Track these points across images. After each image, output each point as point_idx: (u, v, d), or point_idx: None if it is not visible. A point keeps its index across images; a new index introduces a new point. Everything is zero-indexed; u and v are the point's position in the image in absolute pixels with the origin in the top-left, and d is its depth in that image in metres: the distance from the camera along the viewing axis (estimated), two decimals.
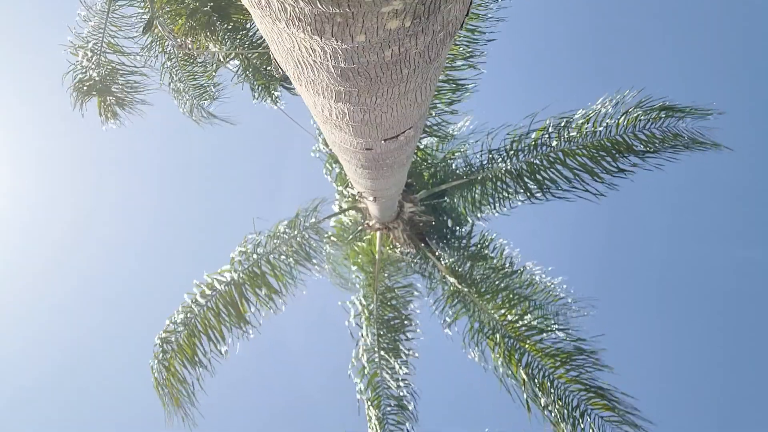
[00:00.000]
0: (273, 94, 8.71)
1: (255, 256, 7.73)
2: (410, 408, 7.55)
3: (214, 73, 8.29)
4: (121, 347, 21.57)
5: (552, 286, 8.38)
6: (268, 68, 8.22)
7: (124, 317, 21.74)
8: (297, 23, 1.64)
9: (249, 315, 7.41)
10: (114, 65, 7.58)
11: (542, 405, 6.42)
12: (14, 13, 16.35)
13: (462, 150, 8.65)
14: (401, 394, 7.62)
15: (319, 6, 1.48)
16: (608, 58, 22.62)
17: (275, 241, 8.01)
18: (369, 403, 7.48)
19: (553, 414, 6.30)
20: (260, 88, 8.65)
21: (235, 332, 7.32)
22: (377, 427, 7.29)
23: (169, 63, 7.93)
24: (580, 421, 6.16)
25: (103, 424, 20.61)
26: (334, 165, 8.93)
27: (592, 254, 22.89)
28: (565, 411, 6.26)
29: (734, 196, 21.48)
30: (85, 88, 7.39)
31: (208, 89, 8.43)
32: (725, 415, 20.06)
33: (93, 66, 7.31)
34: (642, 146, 6.74)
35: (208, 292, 7.23)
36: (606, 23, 21.80)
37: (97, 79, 7.41)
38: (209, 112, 8.71)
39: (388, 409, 7.49)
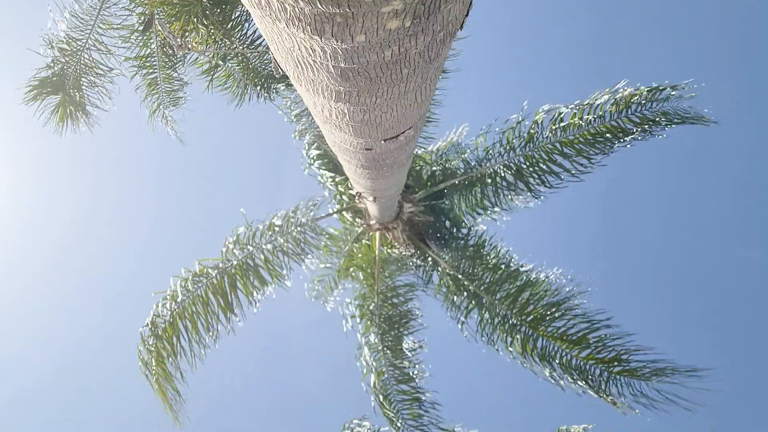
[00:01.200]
0: (271, 93, 8.74)
1: (250, 248, 7.70)
2: (424, 399, 7.56)
3: (210, 74, 8.24)
4: (120, 347, 21.55)
5: (549, 280, 8.29)
6: (269, 68, 8.24)
7: (124, 317, 21.76)
8: (297, 23, 1.64)
9: (239, 307, 7.33)
10: (95, 62, 7.49)
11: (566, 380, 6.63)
12: (14, 12, 16.35)
13: (461, 155, 8.64)
14: (412, 388, 7.65)
15: (319, 6, 1.48)
16: (607, 57, 22.63)
17: (270, 233, 7.98)
18: (380, 401, 7.50)
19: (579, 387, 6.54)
20: (258, 88, 8.67)
21: (228, 325, 7.23)
22: (394, 424, 7.31)
23: (146, 62, 7.86)
24: (607, 384, 6.45)
25: (103, 424, 20.62)
26: (327, 178, 9.01)
27: (591, 254, 22.90)
28: (591, 382, 6.54)
29: (734, 195, 21.50)
30: (48, 85, 7.26)
31: (178, 94, 8.38)
32: (725, 416, 20.06)
33: (67, 61, 7.19)
34: (636, 128, 6.89)
35: (199, 278, 7.19)
36: (604, 22, 21.82)
37: (68, 77, 7.30)
38: (170, 116, 8.63)
39: (401, 405, 7.51)
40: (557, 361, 6.80)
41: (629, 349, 6.54)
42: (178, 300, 6.91)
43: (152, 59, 7.89)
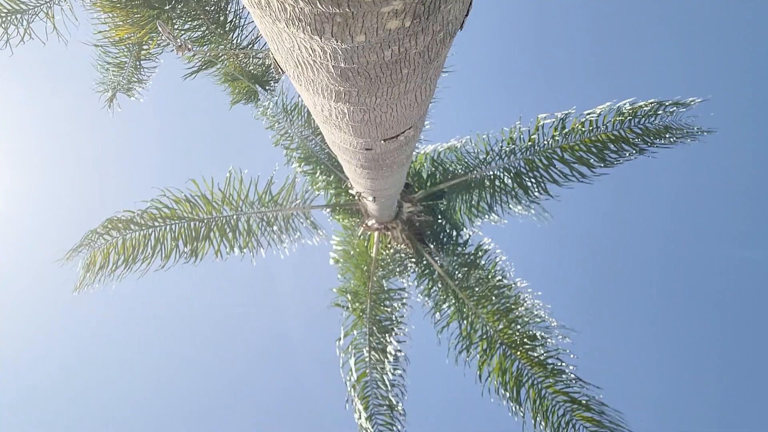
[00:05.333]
0: (255, 98, 8.85)
1: (239, 207, 7.72)
2: (399, 408, 7.56)
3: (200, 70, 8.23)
4: (121, 348, 21.56)
5: (537, 306, 8.21)
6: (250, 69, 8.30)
7: (125, 318, 21.75)
8: (297, 23, 1.64)
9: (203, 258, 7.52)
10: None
11: (531, 411, 6.63)
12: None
13: (459, 154, 8.66)
14: (390, 394, 7.64)
15: (319, 6, 1.48)
16: (607, 58, 22.64)
17: (264, 198, 7.98)
18: (358, 402, 7.51)
19: (540, 422, 6.55)
20: (238, 91, 8.78)
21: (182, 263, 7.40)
22: (366, 427, 7.32)
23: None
24: (566, 429, 6.41)
25: (103, 424, 20.61)
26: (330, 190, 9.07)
27: (589, 255, 22.92)
28: (553, 419, 6.52)
29: (734, 196, 21.51)
30: None
31: (135, 84, 8.44)
32: (725, 416, 20.07)
33: None
34: (637, 139, 6.91)
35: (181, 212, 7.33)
36: (605, 22, 21.82)
37: None
38: (115, 101, 8.66)
39: (377, 408, 7.50)
40: (526, 388, 6.77)
41: (599, 401, 6.49)
42: (153, 224, 7.14)
43: (131, 46, 7.83)
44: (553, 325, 7.42)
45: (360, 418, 7.38)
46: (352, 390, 7.59)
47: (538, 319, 7.52)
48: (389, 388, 7.66)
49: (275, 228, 8.11)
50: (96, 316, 21.65)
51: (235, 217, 7.72)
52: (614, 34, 22.08)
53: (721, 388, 21.14)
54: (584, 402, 6.47)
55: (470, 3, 1.89)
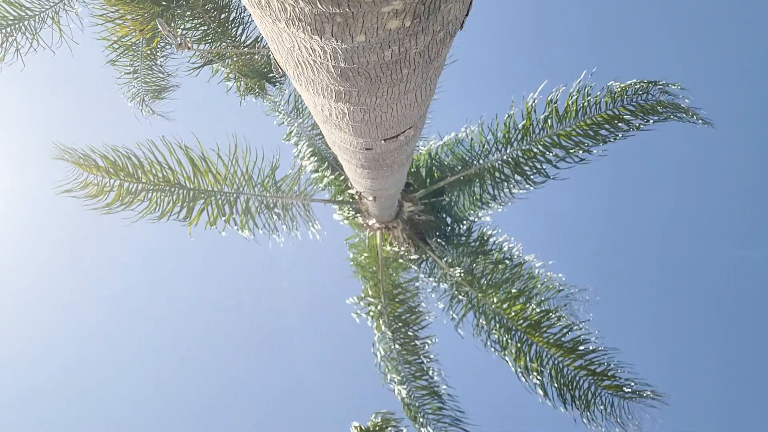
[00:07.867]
0: (263, 91, 8.84)
1: (238, 187, 7.71)
2: (441, 393, 7.62)
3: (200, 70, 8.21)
4: (121, 347, 21.55)
5: (552, 279, 8.45)
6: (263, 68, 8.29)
7: (124, 317, 21.75)
8: (297, 23, 1.64)
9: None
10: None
11: (557, 390, 6.76)
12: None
13: (457, 148, 8.67)
14: (428, 382, 7.69)
15: (319, 6, 1.48)
16: (607, 58, 22.63)
17: (268, 180, 7.97)
18: (402, 398, 7.60)
19: (567, 397, 6.71)
20: (246, 87, 8.77)
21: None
22: (417, 422, 7.38)
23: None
24: (593, 401, 6.61)
25: (103, 424, 20.61)
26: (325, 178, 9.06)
27: (591, 255, 22.89)
28: (578, 393, 6.69)
29: (734, 196, 21.50)
30: None
31: (158, 85, 8.41)
32: (725, 416, 20.07)
33: None
34: (632, 117, 6.86)
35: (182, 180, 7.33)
36: (604, 20, 21.81)
37: None
38: (150, 107, 8.65)
39: (421, 400, 7.57)
40: (549, 370, 6.89)
41: (616, 365, 6.71)
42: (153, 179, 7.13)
43: (136, 49, 7.79)
44: (568, 293, 7.50)
45: (410, 413, 7.43)
46: (399, 390, 7.64)
47: (554, 291, 7.60)
48: (425, 376, 7.74)
49: (275, 211, 8.04)
50: (95, 315, 21.65)
51: (234, 195, 7.67)
52: (614, 34, 22.07)
53: (721, 388, 21.14)
54: (602, 372, 6.63)
55: (470, 3, 1.89)
